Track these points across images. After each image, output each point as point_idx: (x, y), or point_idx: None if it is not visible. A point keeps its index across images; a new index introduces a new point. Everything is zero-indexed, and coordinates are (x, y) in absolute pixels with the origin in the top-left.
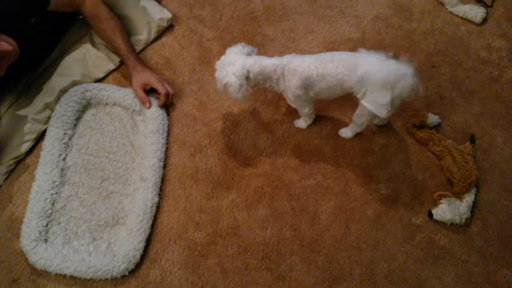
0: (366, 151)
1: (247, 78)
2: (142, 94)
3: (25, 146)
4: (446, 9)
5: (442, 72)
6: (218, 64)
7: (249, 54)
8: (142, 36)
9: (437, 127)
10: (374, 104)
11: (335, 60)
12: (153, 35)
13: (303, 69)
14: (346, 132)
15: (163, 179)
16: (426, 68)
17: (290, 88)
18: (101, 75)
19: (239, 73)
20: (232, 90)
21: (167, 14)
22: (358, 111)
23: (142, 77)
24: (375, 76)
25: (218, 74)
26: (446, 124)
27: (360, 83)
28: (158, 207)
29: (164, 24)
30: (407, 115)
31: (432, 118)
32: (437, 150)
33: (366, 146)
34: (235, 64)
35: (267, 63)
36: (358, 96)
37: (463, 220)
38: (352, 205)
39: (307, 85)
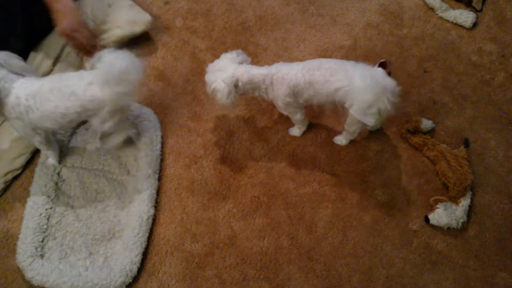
0: (361, 157)
1: (236, 86)
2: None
3: (21, 161)
4: (437, 14)
5: (434, 77)
6: (210, 67)
7: (241, 63)
8: (116, 32)
9: (431, 132)
10: (362, 113)
11: (322, 67)
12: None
13: (290, 77)
14: (340, 140)
15: (158, 191)
16: (418, 74)
17: (280, 97)
18: None
19: (229, 81)
20: (220, 96)
21: (147, 17)
22: (348, 119)
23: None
24: (360, 87)
25: (208, 78)
26: (440, 129)
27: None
28: (154, 220)
29: (142, 27)
30: (401, 121)
31: (426, 123)
32: (431, 155)
33: (361, 153)
34: (226, 70)
35: (256, 72)
36: (347, 105)
37: (460, 224)
38: (348, 212)
39: (295, 92)
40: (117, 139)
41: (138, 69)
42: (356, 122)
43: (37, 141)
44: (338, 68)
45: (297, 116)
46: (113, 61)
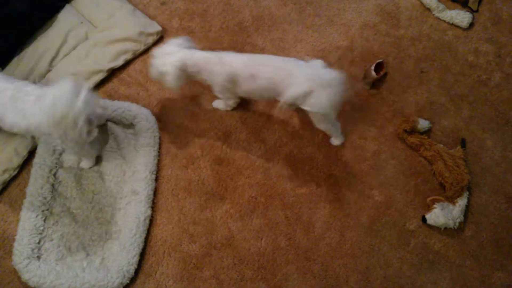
0: (359, 158)
1: (184, 69)
2: None
3: (18, 160)
4: (433, 14)
5: (431, 77)
6: (158, 52)
7: (189, 48)
8: (131, 47)
9: (427, 132)
10: (314, 106)
11: (268, 64)
12: (142, 47)
13: (234, 65)
14: (333, 141)
15: (155, 192)
16: (415, 74)
17: (218, 82)
18: (91, 86)
19: (177, 64)
20: (168, 79)
21: (157, 27)
22: (313, 119)
23: None
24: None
25: (156, 62)
26: (436, 129)
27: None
28: (151, 220)
29: (154, 37)
30: (398, 121)
31: (423, 123)
32: (428, 155)
33: (358, 153)
34: (174, 54)
35: (201, 56)
36: (298, 103)
37: (457, 224)
38: (346, 212)
39: (235, 81)
40: (86, 163)
41: (86, 106)
42: (318, 116)
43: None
44: (282, 66)
45: (230, 102)
46: (59, 97)
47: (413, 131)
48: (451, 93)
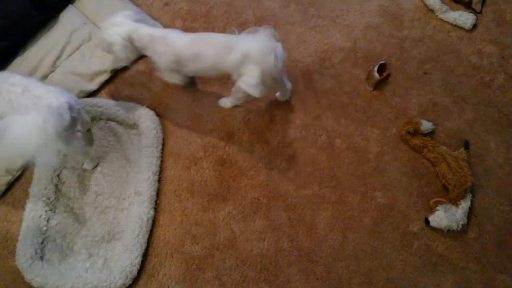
0: (361, 159)
1: (131, 42)
2: None
3: (20, 162)
4: (436, 16)
5: (434, 79)
6: (106, 24)
7: (138, 21)
8: None
9: (431, 133)
10: (249, 85)
11: (210, 42)
12: None
13: (177, 45)
14: (225, 102)
15: (158, 193)
16: (418, 75)
17: (162, 61)
18: (94, 87)
19: (125, 35)
20: (116, 49)
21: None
22: (235, 86)
23: None
24: (249, 58)
25: (103, 33)
26: (439, 131)
27: (235, 67)
28: (154, 221)
29: None
30: (401, 123)
31: (426, 125)
32: (431, 157)
33: (361, 155)
34: (122, 26)
35: (146, 32)
36: (235, 77)
37: (460, 226)
38: (349, 214)
39: (178, 61)
40: (88, 165)
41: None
42: (242, 91)
43: None
44: (225, 43)
45: (177, 81)
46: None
47: (416, 132)
48: (454, 94)
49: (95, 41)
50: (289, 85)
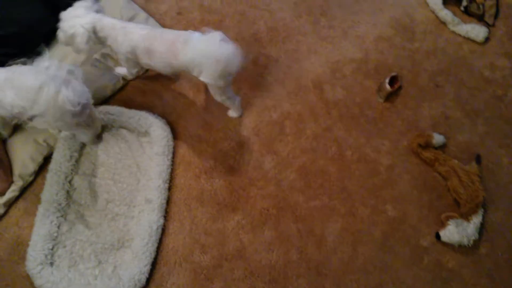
0: (372, 172)
1: (94, 32)
2: None
3: (33, 165)
4: (448, 28)
5: (446, 92)
6: (65, 15)
7: (97, 12)
8: None
9: (442, 147)
10: (210, 77)
11: (162, 38)
12: None
13: (133, 37)
14: (231, 113)
15: (168, 201)
16: (430, 88)
17: (121, 50)
18: (108, 93)
19: (88, 26)
20: (79, 40)
21: None
22: (211, 90)
23: None
24: (205, 57)
25: (64, 25)
26: (451, 144)
27: (190, 65)
28: (164, 230)
29: None
30: (412, 135)
31: (437, 138)
32: (443, 171)
33: (371, 167)
34: (84, 17)
35: (109, 21)
36: (194, 74)
37: (471, 241)
38: (359, 227)
39: (134, 53)
40: (82, 138)
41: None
42: (214, 89)
43: None
44: (177, 39)
45: (133, 70)
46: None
47: (427, 145)
48: (466, 108)
49: (107, 49)
50: (238, 99)
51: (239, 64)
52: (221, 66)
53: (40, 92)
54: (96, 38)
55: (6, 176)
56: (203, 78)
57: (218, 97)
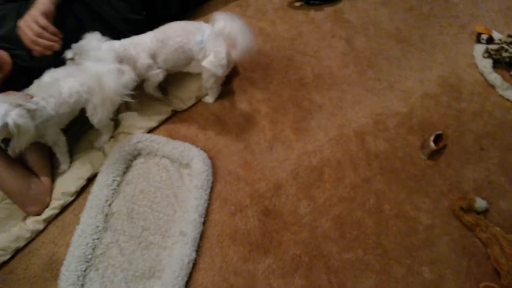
0: (410, 230)
1: (119, 60)
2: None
3: (76, 185)
4: (497, 92)
5: (490, 156)
6: (90, 56)
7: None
8: (194, 94)
9: (484, 212)
10: (212, 64)
11: (176, 27)
12: (204, 92)
13: (145, 41)
14: (208, 99)
15: (201, 236)
16: (475, 150)
17: (140, 61)
18: (154, 124)
19: (112, 57)
20: (113, 82)
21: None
22: (203, 75)
23: None
24: (217, 36)
25: (92, 70)
26: (494, 210)
27: (199, 44)
28: (194, 264)
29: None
30: (454, 197)
31: (480, 203)
32: (484, 237)
33: (410, 225)
34: (105, 59)
35: (119, 44)
36: (199, 60)
37: None
38: (392, 286)
39: (153, 54)
40: (105, 138)
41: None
42: (209, 76)
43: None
44: (187, 25)
45: (159, 77)
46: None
47: (469, 209)
48: (511, 174)
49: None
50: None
51: (248, 48)
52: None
53: (99, 79)
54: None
55: (46, 197)
56: (205, 63)
57: (207, 85)
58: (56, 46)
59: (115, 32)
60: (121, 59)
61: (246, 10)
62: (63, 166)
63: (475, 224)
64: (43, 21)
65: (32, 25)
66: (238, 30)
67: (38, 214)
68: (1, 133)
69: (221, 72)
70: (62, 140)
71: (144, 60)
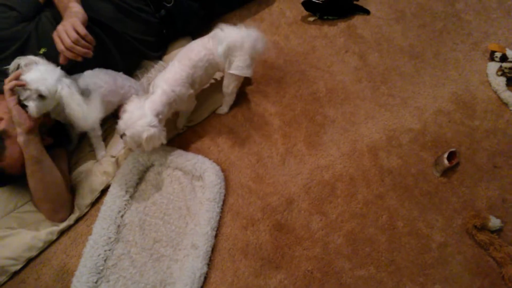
0: (423, 247)
1: (160, 120)
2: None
3: (91, 197)
4: (510, 110)
5: (504, 174)
6: (125, 123)
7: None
8: (209, 108)
9: (498, 231)
10: (240, 68)
11: (193, 48)
12: (218, 105)
13: (176, 73)
14: (222, 109)
15: (213, 249)
16: (488, 168)
17: (184, 96)
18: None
19: (154, 122)
20: (156, 139)
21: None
22: (225, 81)
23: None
24: (234, 45)
25: (133, 133)
26: (508, 229)
27: (223, 55)
28: (206, 278)
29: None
30: (467, 215)
31: (494, 222)
32: (498, 257)
33: (423, 243)
34: (145, 117)
35: (158, 96)
36: (225, 68)
37: None
38: None
39: (190, 82)
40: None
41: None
42: (233, 80)
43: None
44: (203, 41)
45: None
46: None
47: (483, 228)
48: None
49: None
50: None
51: (264, 46)
52: (250, 48)
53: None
54: (164, 117)
55: (70, 205)
56: (233, 71)
57: (228, 90)
58: (90, 53)
59: (130, 45)
60: (168, 109)
61: (260, 24)
62: (101, 152)
63: (489, 243)
64: (83, 30)
65: (71, 32)
66: (245, 33)
67: (64, 220)
68: (53, 99)
69: (250, 72)
70: (99, 127)
71: (186, 92)
